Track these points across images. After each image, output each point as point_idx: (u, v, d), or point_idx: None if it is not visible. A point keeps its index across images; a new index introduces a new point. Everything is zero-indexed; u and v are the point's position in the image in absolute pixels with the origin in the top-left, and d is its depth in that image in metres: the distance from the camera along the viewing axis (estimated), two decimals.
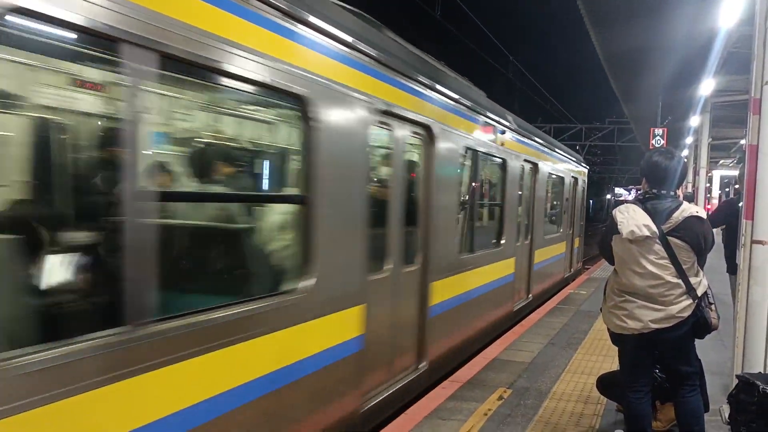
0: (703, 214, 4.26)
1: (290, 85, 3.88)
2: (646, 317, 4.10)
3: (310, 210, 4.18)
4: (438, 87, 6.39)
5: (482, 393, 5.96)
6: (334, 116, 4.40)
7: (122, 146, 2.80)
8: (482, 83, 9.27)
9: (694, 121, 23.91)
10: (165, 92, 3.82)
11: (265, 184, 5.04)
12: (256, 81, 3.63)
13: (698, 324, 4.15)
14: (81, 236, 3.39)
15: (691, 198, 19.28)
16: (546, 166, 11.92)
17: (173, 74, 3.45)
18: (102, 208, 3.25)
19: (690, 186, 24.70)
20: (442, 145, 6.37)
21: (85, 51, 3.34)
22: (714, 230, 4.86)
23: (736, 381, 4.84)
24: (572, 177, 15.14)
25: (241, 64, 3.43)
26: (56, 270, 3.20)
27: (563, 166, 14.09)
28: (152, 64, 2.87)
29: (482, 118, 7.91)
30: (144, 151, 2.88)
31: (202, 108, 4.69)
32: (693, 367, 4.40)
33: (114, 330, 2.76)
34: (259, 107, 5.03)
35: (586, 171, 18.29)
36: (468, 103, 7.32)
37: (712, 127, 22.63)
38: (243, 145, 5.14)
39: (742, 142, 21.15)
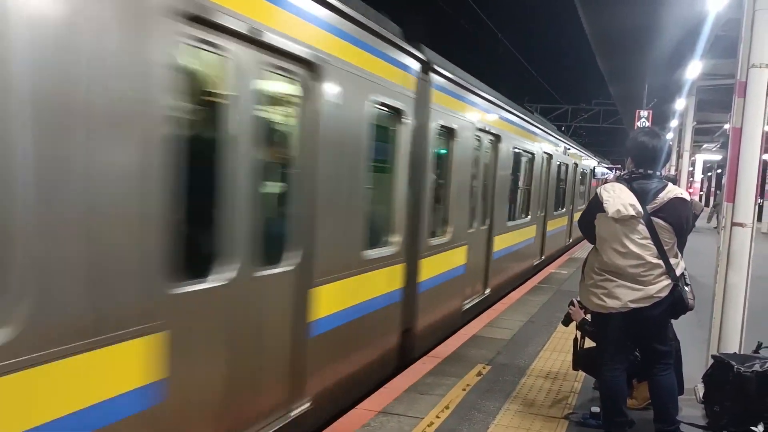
0: (687, 196, 4.30)
1: None
2: (625, 297, 4.13)
3: None
4: None
5: (461, 369, 6.00)
6: None
7: None
8: (470, 60, 9.01)
9: (680, 104, 24.03)
10: None
11: None
12: None
13: (675, 304, 4.19)
14: None
15: (674, 181, 19.43)
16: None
17: None
18: None
19: (673, 169, 24.87)
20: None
21: None
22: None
23: (711, 361, 4.92)
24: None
25: None
26: None
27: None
28: None
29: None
30: None
31: None
32: (667, 346, 4.46)
33: None
34: None
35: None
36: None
37: (696, 111, 22.77)
38: None
39: (726, 126, 21.32)
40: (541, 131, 13.14)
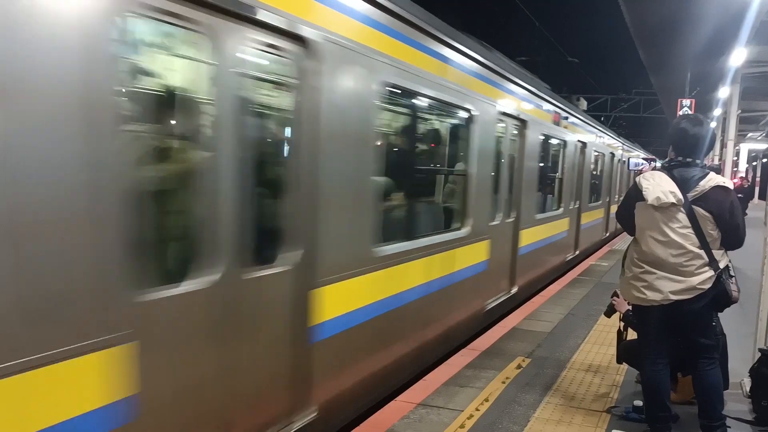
0: (730, 185, 4.17)
1: None
2: (667, 288, 4.05)
3: None
4: None
5: (501, 362, 5.97)
6: None
7: None
8: (506, 50, 8.79)
9: (723, 92, 23.47)
10: None
11: None
12: None
13: (718, 296, 4.09)
14: None
15: (717, 171, 19.01)
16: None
17: None
18: None
19: (717, 159, 24.32)
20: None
21: None
22: None
23: (758, 354, 4.82)
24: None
25: None
26: None
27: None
28: None
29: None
30: None
31: None
32: (712, 339, 4.35)
33: None
34: None
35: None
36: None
37: (741, 99, 22.24)
38: None
39: None
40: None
